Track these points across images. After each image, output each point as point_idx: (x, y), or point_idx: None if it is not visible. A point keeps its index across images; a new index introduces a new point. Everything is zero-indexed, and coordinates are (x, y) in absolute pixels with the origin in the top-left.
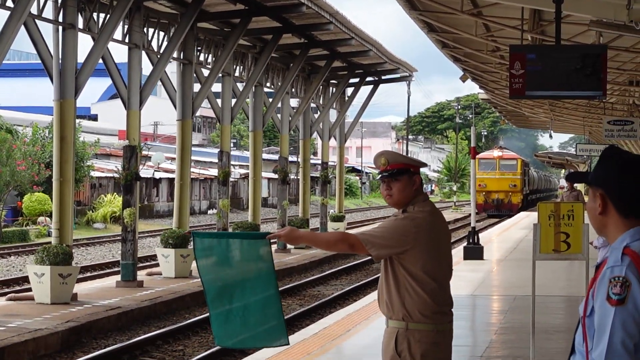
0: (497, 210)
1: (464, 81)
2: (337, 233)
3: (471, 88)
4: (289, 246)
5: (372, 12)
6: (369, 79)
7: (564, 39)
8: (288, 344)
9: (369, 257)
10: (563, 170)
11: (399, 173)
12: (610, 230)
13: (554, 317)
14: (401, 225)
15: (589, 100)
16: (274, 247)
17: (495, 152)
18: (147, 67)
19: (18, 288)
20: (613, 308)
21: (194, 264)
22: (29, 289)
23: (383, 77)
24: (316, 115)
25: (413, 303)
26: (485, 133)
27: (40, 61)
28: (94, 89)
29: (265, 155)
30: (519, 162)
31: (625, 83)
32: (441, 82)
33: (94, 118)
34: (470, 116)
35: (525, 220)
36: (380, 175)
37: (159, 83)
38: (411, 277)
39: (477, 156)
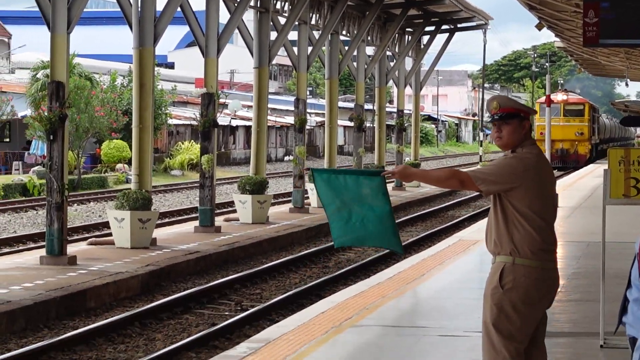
0: (561, 161)
1: (539, 29)
2: (448, 170)
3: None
4: (407, 183)
5: None
6: (444, 27)
7: None
8: (402, 252)
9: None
10: None
11: (509, 117)
12: None
13: (626, 263)
14: (510, 164)
15: None
16: (390, 185)
17: (559, 96)
18: (224, 15)
19: (98, 233)
20: None
21: (270, 210)
22: (109, 234)
23: (459, 26)
24: (392, 64)
25: (521, 239)
26: (562, 81)
27: (118, 9)
28: (171, 37)
29: (341, 104)
30: (587, 106)
31: None
32: (518, 31)
33: (171, 66)
34: (547, 64)
35: (601, 169)
36: (491, 119)
37: (236, 31)
38: (519, 214)
39: (537, 100)
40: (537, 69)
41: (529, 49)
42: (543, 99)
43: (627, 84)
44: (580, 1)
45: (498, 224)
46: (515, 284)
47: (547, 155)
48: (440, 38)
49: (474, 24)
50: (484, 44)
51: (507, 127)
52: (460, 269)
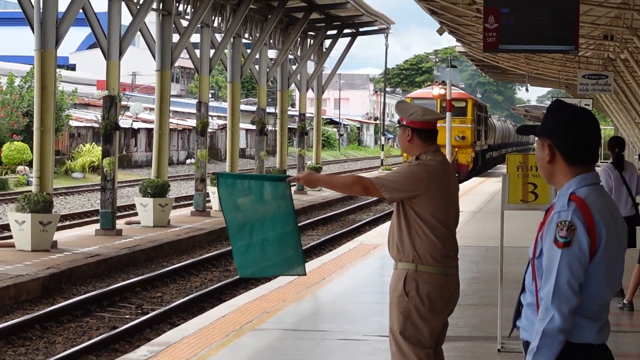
0: None
1: (440, 34)
2: (353, 176)
3: (449, 41)
4: (308, 188)
5: None
6: (346, 31)
7: None
8: (305, 273)
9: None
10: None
11: (401, 124)
12: (557, 178)
13: (524, 267)
14: (414, 171)
15: (564, 55)
16: (292, 188)
17: (435, 90)
18: (126, 17)
19: None
20: (560, 250)
21: (171, 214)
22: (10, 237)
23: (360, 30)
24: (294, 67)
25: (423, 246)
26: (463, 86)
27: (18, 10)
28: (73, 38)
29: (243, 107)
30: (470, 103)
31: (600, 37)
32: (420, 34)
33: (72, 68)
34: (448, 69)
35: (502, 172)
36: (397, 125)
37: (138, 33)
38: (422, 221)
39: (408, 95)
40: (438, 73)
41: (430, 53)
42: (416, 92)
43: (527, 89)
44: (481, 7)
45: (400, 231)
46: (420, 291)
47: None
48: (342, 42)
49: (375, 28)
50: (386, 48)
51: (401, 134)
52: (360, 273)
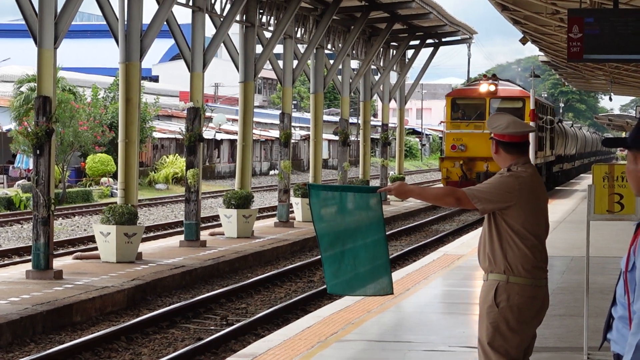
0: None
1: (523, 44)
2: (445, 188)
3: (532, 50)
4: (391, 198)
5: None
6: (429, 41)
7: (622, 2)
8: (392, 292)
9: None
10: (624, 133)
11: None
12: None
13: (609, 277)
14: (506, 182)
15: None
16: None
17: (483, 87)
18: (210, 29)
19: (83, 247)
20: None
21: (255, 225)
22: (95, 248)
23: (443, 40)
24: (377, 77)
25: (515, 257)
26: (546, 95)
27: (101, 22)
28: (155, 50)
29: (325, 117)
30: (527, 102)
31: None
32: (502, 44)
33: (155, 79)
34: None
35: (586, 181)
36: (490, 137)
37: (222, 45)
38: (513, 232)
39: (449, 94)
40: (521, 82)
41: (513, 62)
42: (457, 90)
43: (610, 98)
44: (565, 16)
45: (492, 242)
46: (510, 302)
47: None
48: (425, 52)
49: (458, 38)
50: (469, 58)
51: (491, 146)
52: (444, 283)
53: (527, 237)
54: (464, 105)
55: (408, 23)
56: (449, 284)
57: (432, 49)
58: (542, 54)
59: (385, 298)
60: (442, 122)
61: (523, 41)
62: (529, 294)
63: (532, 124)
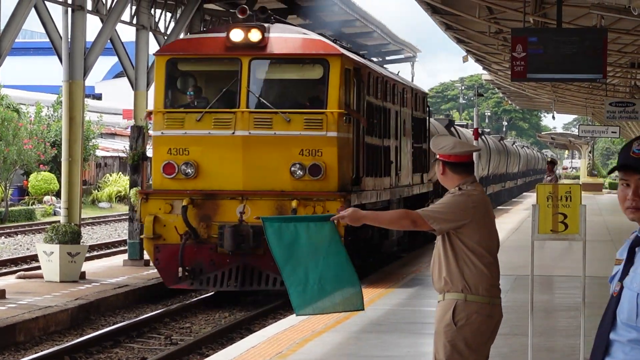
0: None
1: (465, 61)
2: (400, 211)
3: (475, 69)
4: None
5: None
6: (373, 59)
7: (566, 22)
8: (363, 309)
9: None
10: (567, 151)
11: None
12: None
13: (554, 296)
14: (460, 201)
15: (591, 82)
16: None
17: (236, 32)
18: (154, 48)
19: (26, 266)
20: None
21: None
22: (38, 267)
23: (387, 58)
24: None
25: (472, 275)
26: (489, 113)
27: (44, 40)
28: (98, 67)
29: None
30: (336, 68)
31: (627, 65)
32: (447, 61)
33: (99, 97)
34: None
35: (529, 200)
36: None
37: None
38: (469, 250)
39: (160, 50)
40: (464, 101)
41: (456, 80)
42: None
43: (553, 117)
44: (508, 35)
45: (449, 262)
46: (468, 321)
47: None
48: None
49: (402, 56)
50: (412, 76)
51: (437, 167)
52: (388, 303)
53: (483, 254)
54: (193, 74)
55: (352, 42)
56: (393, 303)
57: None
58: (485, 72)
59: (330, 316)
60: (148, 113)
61: (465, 59)
62: (487, 312)
63: (475, 142)
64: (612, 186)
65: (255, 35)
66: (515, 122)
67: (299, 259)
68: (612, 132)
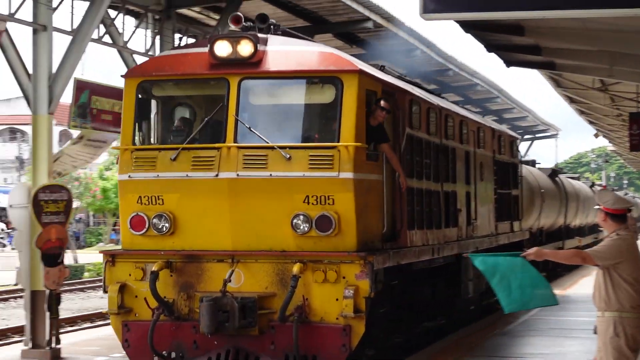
0: None
1: (596, 137)
2: (573, 251)
3: (603, 141)
4: None
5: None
6: (526, 136)
7: None
8: (557, 303)
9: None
10: None
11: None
12: None
13: None
14: (618, 244)
15: None
16: None
17: (221, 45)
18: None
19: None
20: None
21: None
22: None
23: (537, 135)
24: None
25: (625, 298)
26: (613, 174)
27: None
28: None
29: None
30: (351, 90)
31: None
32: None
33: None
34: (601, 163)
35: None
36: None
37: None
38: (623, 280)
39: (131, 71)
40: (595, 166)
41: (588, 150)
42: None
43: None
44: (626, 118)
45: (607, 288)
46: (625, 332)
47: None
48: (524, 144)
49: (548, 134)
50: (556, 148)
51: (599, 215)
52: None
53: (633, 283)
54: (170, 101)
55: (511, 123)
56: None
57: (529, 142)
58: (610, 144)
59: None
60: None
61: (596, 136)
62: (636, 324)
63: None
64: None
65: (246, 49)
66: (633, 180)
67: (503, 273)
68: None
